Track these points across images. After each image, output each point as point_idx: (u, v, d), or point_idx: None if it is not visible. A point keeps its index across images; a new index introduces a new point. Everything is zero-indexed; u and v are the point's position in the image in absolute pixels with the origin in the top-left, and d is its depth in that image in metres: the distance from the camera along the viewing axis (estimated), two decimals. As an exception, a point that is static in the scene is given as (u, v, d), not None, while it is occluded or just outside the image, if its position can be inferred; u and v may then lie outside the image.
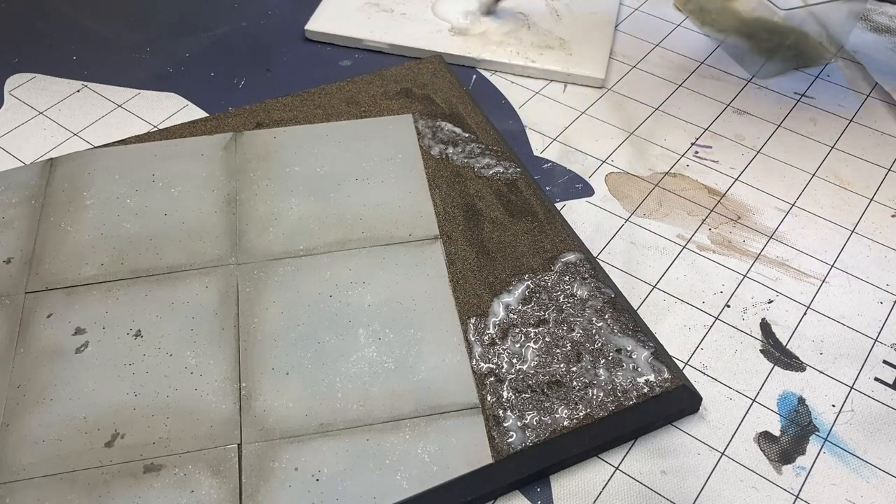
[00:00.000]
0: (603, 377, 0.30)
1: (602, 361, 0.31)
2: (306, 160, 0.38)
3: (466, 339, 0.31)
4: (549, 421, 0.29)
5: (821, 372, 0.32)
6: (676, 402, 0.30)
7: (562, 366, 0.30)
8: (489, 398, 0.29)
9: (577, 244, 0.35)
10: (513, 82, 0.45)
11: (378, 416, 0.29)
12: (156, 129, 0.41)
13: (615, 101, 0.44)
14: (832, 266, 0.36)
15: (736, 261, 0.36)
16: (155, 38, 0.47)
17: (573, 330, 0.32)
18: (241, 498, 0.27)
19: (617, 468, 0.29)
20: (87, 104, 0.43)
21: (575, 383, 0.30)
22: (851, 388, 0.31)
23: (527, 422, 0.29)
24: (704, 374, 0.32)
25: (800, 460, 0.29)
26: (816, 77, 0.45)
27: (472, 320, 0.32)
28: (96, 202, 0.36)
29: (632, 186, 0.39)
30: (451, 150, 0.38)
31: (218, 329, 0.31)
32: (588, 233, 0.37)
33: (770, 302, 0.34)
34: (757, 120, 0.43)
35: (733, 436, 0.30)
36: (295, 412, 0.29)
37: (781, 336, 0.33)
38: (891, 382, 0.32)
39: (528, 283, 0.33)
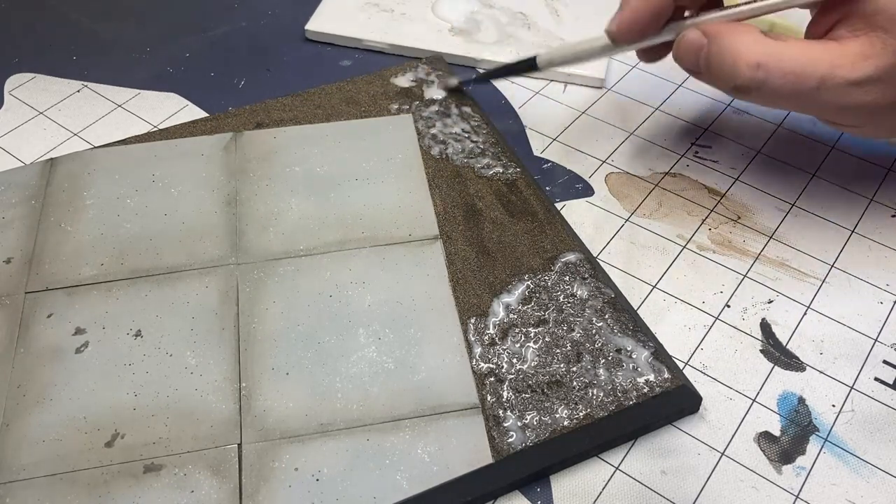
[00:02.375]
0: (603, 377, 0.30)
1: (602, 361, 0.31)
2: (306, 160, 0.38)
3: (466, 339, 0.31)
4: (549, 421, 0.29)
5: (821, 372, 0.32)
6: (676, 402, 0.30)
7: (562, 366, 0.30)
8: (489, 398, 0.29)
9: (577, 244, 0.35)
10: (513, 82, 0.45)
11: (378, 416, 0.29)
12: (156, 129, 0.41)
13: (615, 101, 0.44)
14: (832, 266, 0.36)
15: (736, 261, 0.36)
16: (155, 38, 0.47)
17: (573, 330, 0.32)
18: (241, 498, 0.27)
19: (617, 468, 0.29)
20: (87, 104, 0.43)
21: (575, 383, 0.30)
22: (851, 388, 0.31)
23: (527, 422, 0.29)
24: (704, 374, 0.32)
25: (800, 460, 0.29)
26: (816, 77, 0.45)
27: (472, 320, 0.32)
28: (96, 202, 0.36)
29: (632, 186, 0.39)
30: (451, 150, 0.38)
31: (218, 329, 0.31)
32: (588, 233, 0.37)
33: (770, 302, 0.34)
34: (757, 120, 0.43)
35: (733, 436, 0.30)
36: (295, 412, 0.29)
37: (781, 336, 0.33)
38: (891, 382, 0.32)
39: (528, 283, 0.33)
